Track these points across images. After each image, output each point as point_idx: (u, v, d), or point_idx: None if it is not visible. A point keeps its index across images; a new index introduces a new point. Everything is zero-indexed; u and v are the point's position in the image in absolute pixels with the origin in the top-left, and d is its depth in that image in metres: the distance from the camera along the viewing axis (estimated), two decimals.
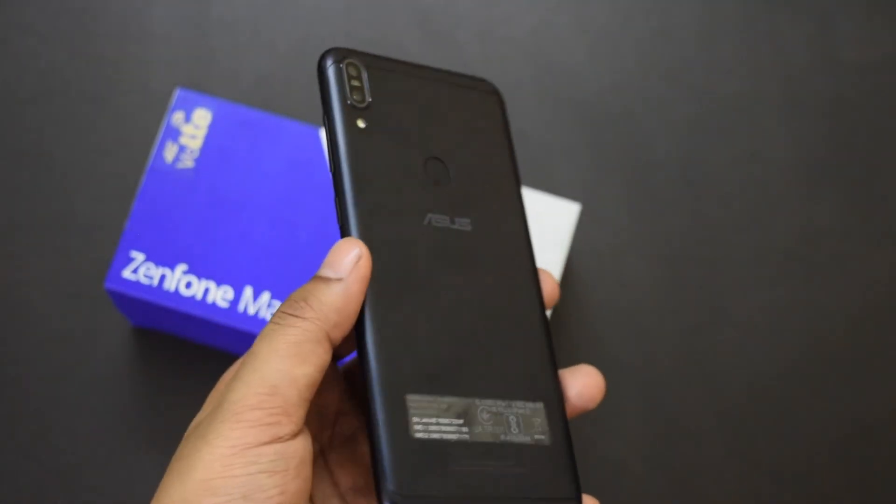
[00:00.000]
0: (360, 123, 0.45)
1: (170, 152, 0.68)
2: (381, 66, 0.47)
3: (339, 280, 0.42)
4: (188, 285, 0.66)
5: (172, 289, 0.66)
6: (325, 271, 0.42)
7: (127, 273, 0.66)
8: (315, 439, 0.45)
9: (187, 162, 0.68)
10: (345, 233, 0.44)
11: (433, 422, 0.42)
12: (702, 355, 0.73)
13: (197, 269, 0.67)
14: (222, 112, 0.69)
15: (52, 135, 0.75)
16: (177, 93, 0.69)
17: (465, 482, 0.42)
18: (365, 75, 0.46)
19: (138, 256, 0.67)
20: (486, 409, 0.43)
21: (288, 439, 0.40)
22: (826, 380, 0.73)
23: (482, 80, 0.49)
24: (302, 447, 0.40)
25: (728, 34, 0.79)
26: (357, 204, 0.44)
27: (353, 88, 0.45)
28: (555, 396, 0.45)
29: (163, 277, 0.66)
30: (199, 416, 0.42)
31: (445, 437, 0.42)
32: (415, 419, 0.42)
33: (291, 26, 0.78)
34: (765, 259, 0.75)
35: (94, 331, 0.72)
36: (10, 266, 0.73)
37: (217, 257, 0.67)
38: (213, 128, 0.68)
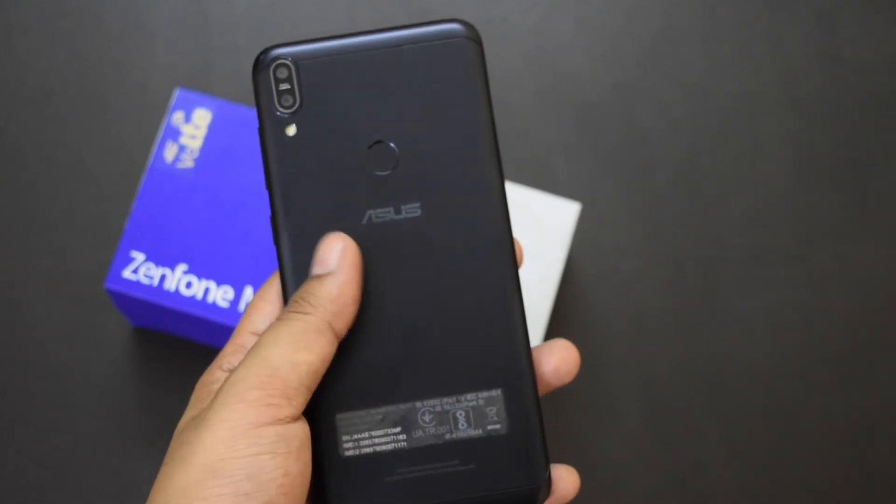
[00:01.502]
0: (290, 131, 0.43)
1: (170, 152, 0.68)
2: (317, 56, 0.44)
3: (330, 273, 0.42)
4: (188, 285, 0.66)
5: (173, 289, 0.66)
6: (315, 270, 0.42)
7: (127, 273, 0.67)
8: None
9: (187, 162, 0.68)
10: (278, 253, 0.43)
11: (364, 436, 0.42)
12: (702, 355, 0.73)
13: (197, 269, 0.67)
14: (222, 112, 0.69)
15: (52, 135, 0.75)
16: (177, 93, 0.69)
17: (402, 492, 0.41)
18: (296, 74, 0.43)
19: (138, 256, 0.67)
20: (427, 410, 0.42)
21: (288, 422, 0.40)
22: (826, 380, 0.73)
23: (451, 25, 0.44)
24: (302, 432, 0.40)
25: (728, 34, 0.79)
26: (286, 223, 0.43)
27: (281, 94, 0.43)
28: (519, 379, 0.42)
29: (163, 277, 0.66)
30: (185, 415, 0.42)
31: (379, 449, 0.42)
32: (344, 437, 0.42)
33: (291, 26, 0.78)
34: (765, 259, 0.75)
35: (94, 331, 0.73)
36: (10, 266, 0.73)
37: (217, 257, 0.67)
38: (213, 128, 0.68)
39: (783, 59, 0.78)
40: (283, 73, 0.43)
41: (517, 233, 0.68)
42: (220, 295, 0.66)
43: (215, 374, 0.43)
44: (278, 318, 0.42)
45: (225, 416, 0.40)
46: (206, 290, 0.66)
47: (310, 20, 0.78)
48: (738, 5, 0.79)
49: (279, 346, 0.41)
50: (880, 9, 0.79)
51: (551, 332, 0.73)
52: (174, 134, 0.68)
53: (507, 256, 0.43)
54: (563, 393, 0.73)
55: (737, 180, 0.76)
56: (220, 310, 0.66)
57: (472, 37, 0.44)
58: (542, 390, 0.45)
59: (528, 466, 0.42)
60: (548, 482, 0.42)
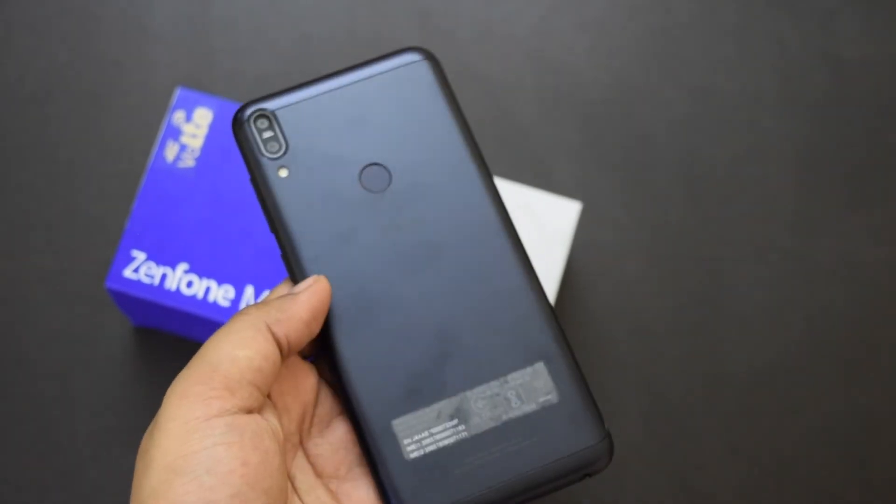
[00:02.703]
0: (282, 173, 0.46)
1: (171, 151, 0.68)
2: (292, 102, 0.47)
3: (293, 293, 0.44)
4: (189, 284, 0.66)
5: (173, 288, 0.66)
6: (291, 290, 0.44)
7: (128, 272, 0.66)
8: (293, 433, 0.45)
9: (188, 161, 0.68)
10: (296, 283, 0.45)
11: (426, 436, 0.43)
12: (702, 354, 0.73)
13: (198, 269, 0.67)
14: (223, 111, 0.69)
15: (53, 134, 0.75)
16: (177, 92, 0.69)
17: (475, 478, 0.43)
18: (277, 121, 0.46)
19: (139, 255, 0.67)
20: (478, 397, 0.44)
21: (236, 412, 0.41)
22: (826, 378, 0.73)
23: (407, 53, 0.48)
24: (254, 422, 0.41)
25: (728, 34, 0.79)
26: (300, 256, 0.45)
27: (266, 141, 0.46)
28: (555, 346, 0.45)
29: (164, 277, 0.66)
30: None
31: (442, 444, 0.43)
32: (406, 441, 0.43)
33: (291, 26, 0.78)
34: (765, 257, 0.75)
35: (95, 330, 0.72)
36: (11, 265, 0.73)
37: (218, 256, 0.67)
38: (213, 127, 0.68)
39: (784, 59, 0.78)
40: (263, 124, 0.46)
41: (519, 233, 0.68)
42: (221, 294, 0.66)
43: None
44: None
45: (173, 415, 0.40)
46: (207, 290, 0.66)
47: (310, 20, 0.78)
48: (739, 5, 0.79)
49: (219, 344, 0.42)
50: (881, 9, 0.79)
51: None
52: (175, 133, 0.68)
53: (509, 240, 0.46)
54: None
55: (737, 179, 0.76)
56: (221, 309, 0.66)
57: (425, 57, 0.48)
58: None
59: (588, 426, 0.44)
60: (608, 437, 0.44)
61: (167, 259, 0.67)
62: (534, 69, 0.77)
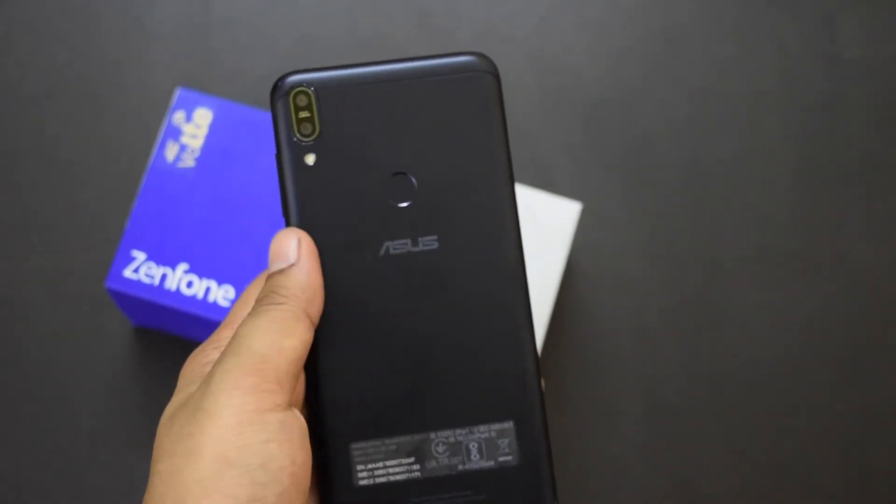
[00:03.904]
0: (309, 160, 0.43)
1: (171, 152, 0.68)
2: (336, 84, 0.43)
3: (293, 264, 0.42)
4: (189, 284, 0.66)
5: (173, 288, 0.66)
6: (275, 265, 0.42)
7: (128, 272, 0.66)
8: None
9: (188, 161, 0.68)
10: None
11: (379, 466, 0.42)
12: (702, 354, 0.73)
13: (198, 269, 0.67)
14: (223, 111, 0.69)
15: (52, 134, 0.75)
16: (178, 92, 0.69)
17: None
18: (316, 102, 0.43)
19: (139, 256, 0.67)
20: (441, 441, 0.43)
21: (286, 408, 0.40)
22: (827, 379, 0.73)
23: (469, 60, 0.44)
24: (299, 421, 0.40)
25: (730, 35, 0.79)
26: None
27: (300, 122, 0.43)
28: (531, 411, 0.43)
29: (164, 277, 0.66)
30: (174, 399, 0.42)
31: (393, 479, 0.42)
32: (359, 467, 0.42)
33: (291, 26, 0.78)
34: (766, 259, 0.75)
35: (95, 330, 0.72)
36: (11, 265, 0.73)
37: (218, 256, 0.67)
38: (213, 127, 0.68)
39: (785, 60, 0.78)
40: (302, 101, 0.43)
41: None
42: (221, 294, 0.66)
43: (209, 353, 0.42)
44: (253, 312, 0.41)
45: (226, 403, 0.39)
46: (207, 290, 0.66)
47: (310, 20, 0.78)
48: (740, 6, 0.79)
49: (264, 334, 0.40)
50: (881, 9, 0.79)
51: (552, 333, 0.73)
52: (175, 133, 0.68)
53: (520, 293, 0.43)
54: (564, 393, 0.73)
55: (738, 180, 0.76)
56: (221, 309, 0.66)
57: (490, 70, 0.44)
58: None
59: (537, 498, 0.43)
60: None
61: (167, 259, 0.67)
62: (534, 69, 0.77)
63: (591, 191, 0.76)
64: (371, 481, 0.42)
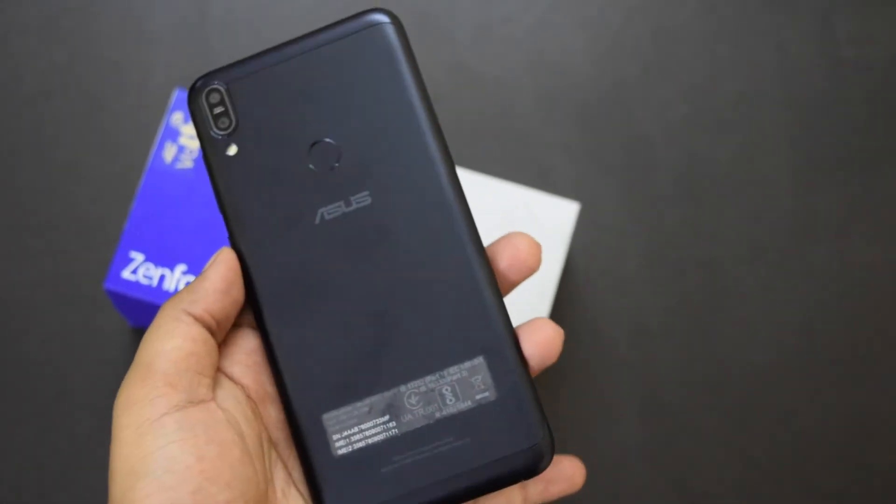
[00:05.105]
0: (230, 151, 0.44)
1: (169, 153, 0.68)
2: (244, 74, 0.45)
3: (202, 271, 0.44)
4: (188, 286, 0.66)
5: (172, 289, 0.66)
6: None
7: (126, 273, 0.67)
8: (266, 430, 0.45)
9: (186, 162, 0.68)
10: (244, 272, 0.44)
11: (355, 431, 0.42)
12: (701, 354, 0.73)
13: (197, 270, 0.67)
14: None
15: (51, 135, 0.76)
16: (176, 93, 0.69)
17: (402, 478, 0.41)
18: (228, 96, 0.44)
19: (138, 257, 0.67)
20: (413, 392, 0.42)
21: (184, 407, 0.41)
22: (826, 378, 0.73)
23: (365, 16, 0.45)
24: (206, 414, 0.41)
25: (728, 34, 0.79)
26: (241, 236, 0.43)
27: (216, 117, 0.44)
28: (499, 342, 0.42)
29: (162, 278, 0.67)
30: None
31: (371, 441, 0.42)
32: (335, 437, 0.42)
33: (291, 26, 0.78)
34: (764, 259, 0.75)
35: (94, 331, 0.73)
36: (10, 266, 0.73)
37: None
38: None
39: (783, 59, 0.78)
40: (215, 98, 0.44)
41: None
42: None
43: None
44: None
45: (124, 423, 0.41)
46: None
47: (309, 21, 0.78)
48: (737, 5, 0.79)
49: (147, 343, 0.42)
50: (880, 9, 0.79)
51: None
52: (173, 134, 0.68)
53: (462, 224, 0.43)
54: (563, 392, 0.73)
55: (736, 180, 0.76)
56: None
57: (388, 21, 0.44)
58: (502, 288, 0.44)
59: (524, 426, 0.42)
60: (548, 439, 0.42)
61: (165, 260, 0.67)
62: (532, 69, 0.77)
63: (589, 191, 0.76)
64: (350, 448, 0.42)
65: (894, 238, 0.75)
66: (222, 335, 0.44)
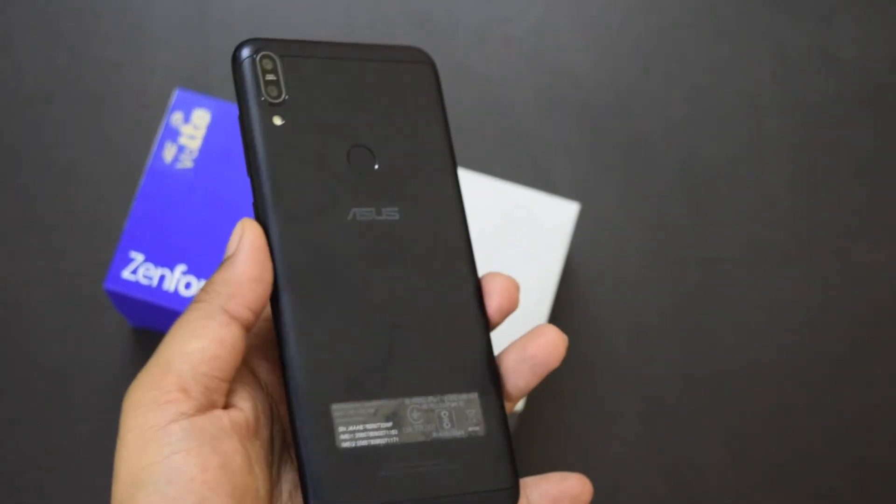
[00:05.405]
0: (277, 121, 0.44)
1: (169, 153, 0.68)
2: (299, 54, 0.45)
3: (230, 256, 0.42)
4: (188, 286, 0.66)
5: (172, 289, 0.66)
6: (225, 255, 0.43)
7: (126, 273, 0.67)
8: (279, 432, 0.45)
9: (186, 162, 0.68)
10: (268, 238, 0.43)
11: (360, 429, 0.42)
12: (700, 354, 0.73)
13: (196, 270, 0.67)
14: (221, 112, 0.69)
15: (51, 135, 0.76)
16: (176, 93, 0.69)
17: (395, 486, 0.42)
18: (281, 67, 0.44)
19: (138, 257, 0.67)
20: (416, 407, 0.43)
21: (193, 415, 0.40)
22: (826, 378, 0.73)
23: (412, 50, 0.47)
24: (212, 423, 0.40)
25: (727, 34, 0.79)
26: (274, 208, 0.43)
27: (267, 83, 0.44)
28: (489, 383, 0.44)
29: (162, 278, 0.66)
30: None
31: (373, 442, 0.42)
32: (341, 429, 0.42)
33: (291, 26, 0.78)
34: (764, 258, 0.75)
35: (94, 331, 0.73)
36: (10, 266, 0.74)
37: (216, 257, 0.67)
38: (212, 128, 0.69)
39: (783, 60, 0.78)
40: (268, 65, 0.44)
41: (517, 233, 0.68)
42: None
43: None
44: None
45: (130, 425, 0.39)
46: None
47: (308, 22, 0.78)
48: (737, 5, 0.79)
49: (172, 339, 0.40)
50: (880, 9, 0.79)
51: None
52: (173, 134, 0.68)
53: (472, 266, 0.45)
54: (563, 393, 0.73)
55: (736, 180, 0.76)
56: None
57: (432, 63, 0.47)
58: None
59: (504, 469, 0.43)
60: (517, 487, 0.43)
61: (165, 260, 0.67)
62: (532, 70, 0.77)
63: (589, 191, 0.76)
64: (353, 444, 0.42)
65: (893, 238, 0.75)
66: (255, 325, 0.43)
